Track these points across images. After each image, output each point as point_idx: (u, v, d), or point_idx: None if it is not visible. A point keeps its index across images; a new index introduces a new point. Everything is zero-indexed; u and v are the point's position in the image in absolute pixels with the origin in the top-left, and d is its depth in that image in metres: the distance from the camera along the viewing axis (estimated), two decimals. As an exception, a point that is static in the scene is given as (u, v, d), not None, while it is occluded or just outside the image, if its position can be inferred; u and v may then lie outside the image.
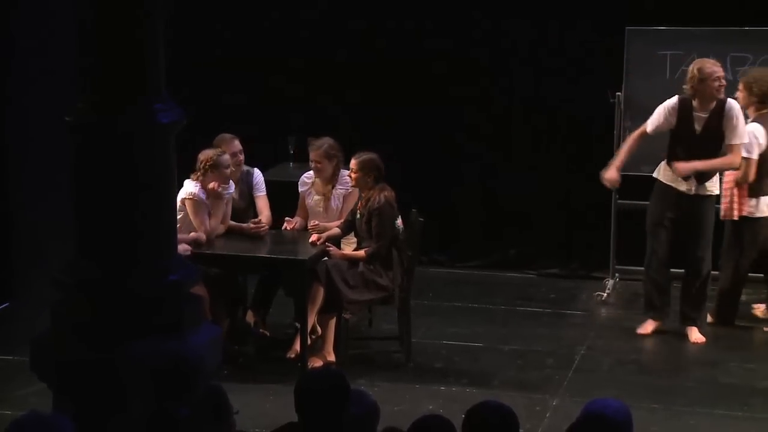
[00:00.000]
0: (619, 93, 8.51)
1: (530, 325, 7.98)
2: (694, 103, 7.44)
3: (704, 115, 7.41)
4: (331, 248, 7.13)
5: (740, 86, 7.76)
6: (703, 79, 7.35)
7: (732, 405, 6.45)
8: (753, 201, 7.68)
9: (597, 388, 6.63)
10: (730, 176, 7.70)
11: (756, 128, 7.63)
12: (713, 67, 7.42)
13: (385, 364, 7.15)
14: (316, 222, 7.36)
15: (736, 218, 7.70)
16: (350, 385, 4.07)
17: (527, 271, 9.14)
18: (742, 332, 7.78)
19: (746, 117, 7.67)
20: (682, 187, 7.49)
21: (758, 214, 7.70)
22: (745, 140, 7.45)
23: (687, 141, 7.46)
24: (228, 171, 7.20)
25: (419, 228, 7.18)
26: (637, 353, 7.40)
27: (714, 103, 7.41)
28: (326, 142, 7.41)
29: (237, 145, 7.42)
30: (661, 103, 8.01)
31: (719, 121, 7.40)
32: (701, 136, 7.43)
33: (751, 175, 7.61)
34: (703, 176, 7.47)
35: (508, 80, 9.21)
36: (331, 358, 6.99)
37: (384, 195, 7.07)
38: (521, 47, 9.16)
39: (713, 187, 7.53)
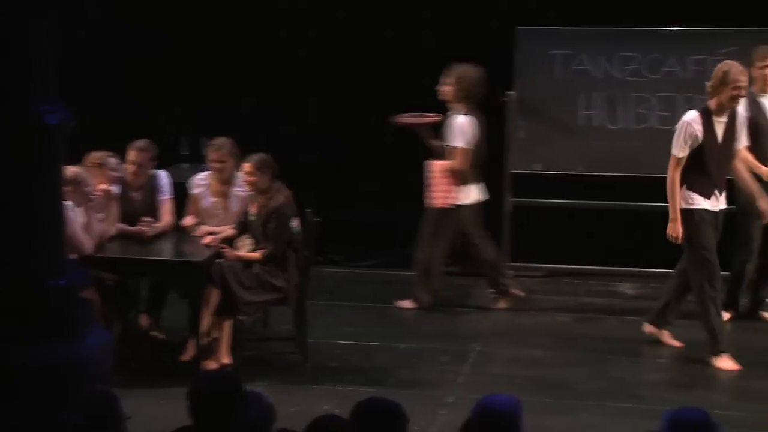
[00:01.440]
0: (510, 92, 8.62)
1: (425, 323, 8.03)
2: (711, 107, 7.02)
3: (723, 120, 7.03)
4: (225, 250, 7.08)
5: (449, 80, 8.00)
6: (726, 83, 6.91)
7: (621, 397, 6.58)
8: (460, 189, 8.00)
9: (491, 385, 6.70)
10: (439, 166, 8.01)
11: (467, 120, 7.97)
12: (739, 75, 6.93)
13: (281, 365, 7.13)
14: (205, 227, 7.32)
15: (444, 206, 8.01)
16: (245, 387, 4.06)
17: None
18: (628, 327, 7.94)
19: (454, 111, 7.99)
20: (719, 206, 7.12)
21: (467, 202, 8.07)
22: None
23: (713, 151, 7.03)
24: (115, 173, 7.11)
25: (315, 228, 7.17)
26: (531, 349, 7.49)
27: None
28: (226, 141, 7.36)
29: (138, 155, 7.33)
30: (552, 101, 8.18)
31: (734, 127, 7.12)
32: (722, 144, 7.03)
33: (462, 164, 7.94)
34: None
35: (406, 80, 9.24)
36: (227, 360, 6.95)
37: (282, 196, 7.04)
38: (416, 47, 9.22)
39: None
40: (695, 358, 7.21)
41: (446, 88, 8.08)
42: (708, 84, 7.03)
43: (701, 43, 8.38)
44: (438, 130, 8.16)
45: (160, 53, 9.34)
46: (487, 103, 8.56)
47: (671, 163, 6.99)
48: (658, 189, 8.44)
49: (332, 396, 6.43)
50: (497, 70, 8.70)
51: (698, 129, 6.96)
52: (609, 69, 8.67)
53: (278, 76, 9.39)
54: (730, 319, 7.85)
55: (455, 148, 8.05)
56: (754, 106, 7.69)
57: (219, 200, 7.42)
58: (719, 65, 7.01)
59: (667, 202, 8.16)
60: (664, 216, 8.56)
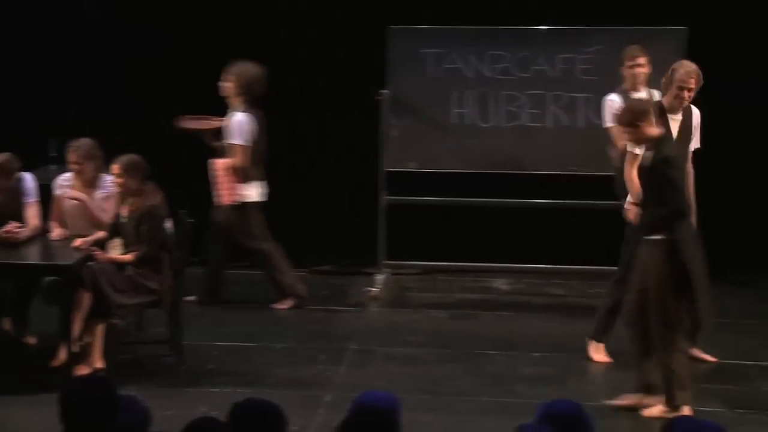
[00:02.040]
0: (384, 91, 8.66)
1: (302, 323, 8.02)
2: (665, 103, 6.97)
3: (678, 119, 7.00)
4: (96, 252, 6.94)
5: (229, 77, 8.11)
6: (671, 82, 6.91)
7: (496, 392, 6.67)
8: (244, 186, 8.13)
9: (369, 383, 6.71)
10: (221, 164, 8.11)
11: (245, 118, 8.10)
12: (685, 76, 6.85)
13: (156, 368, 7.02)
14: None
15: (228, 203, 8.11)
16: (119, 392, 3.98)
17: (298, 268, 9.17)
18: (502, 322, 8.06)
19: (233, 108, 8.10)
20: None
21: (249, 200, 8.16)
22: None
23: None
24: None
25: (188, 229, 7.08)
26: (407, 347, 7.54)
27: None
28: (86, 143, 7.22)
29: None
30: (425, 99, 8.21)
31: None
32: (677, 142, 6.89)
33: (243, 162, 8.08)
34: None
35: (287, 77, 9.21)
36: (100, 365, 6.81)
37: (153, 197, 6.94)
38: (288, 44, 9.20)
39: None
40: (569, 352, 7.35)
41: (226, 85, 8.14)
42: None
43: (569, 41, 8.54)
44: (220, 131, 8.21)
45: (160, 54, 9.18)
46: (362, 102, 8.61)
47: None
48: (529, 186, 8.62)
49: (209, 398, 6.36)
50: (371, 68, 8.75)
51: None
52: (480, 67, 8.77)
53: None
54: None
55: (235, 145, 8.10)
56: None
57: (78, 203, 7.25)
58: (673, 63, 7.08)
59: (538, 199, 8.36)
60: (535, 212, 8.75)
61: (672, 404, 6.18)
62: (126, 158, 6.94)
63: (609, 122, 7.44)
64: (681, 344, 6.21)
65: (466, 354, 7.36)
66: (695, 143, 7.10)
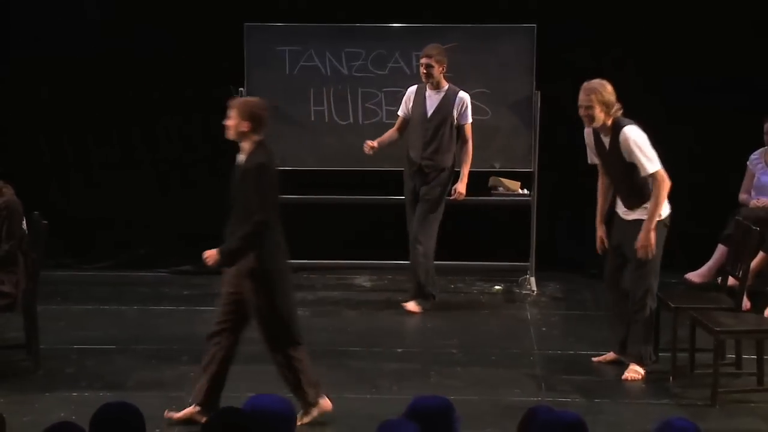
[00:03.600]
0: (242, 88, 8.61)
1: (164, 324, 7.92)
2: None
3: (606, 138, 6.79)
4: None
5: None
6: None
7: (360, 388, 6.70)
8: None
9: (233, 382, 6.65)
10: None
11: None
12: (581, 94, 6.71)
13: (11, 373, 6.83)
14: None
15: None
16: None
17: (159, 269, 9.06)
18: (365, 318, 8.11)
19: None
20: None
21: None
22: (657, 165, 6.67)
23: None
24: None
25: (43, 230, 6.91)
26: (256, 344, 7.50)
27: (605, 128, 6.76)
28: None
29: None
30: (283, 97, 8.22)
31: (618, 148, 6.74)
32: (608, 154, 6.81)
33: None
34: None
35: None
36: None
37: (8, 194, 6.75)
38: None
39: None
40: (432, 347, 7.44)
41: None
42: None
43: (424, 39, 8.63)
44: None
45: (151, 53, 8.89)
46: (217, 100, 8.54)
47: (663, 177, 6.60)
48: (388, 183, 8.69)
49: (68, 403, 6.23)
50: (228, 66, 8.69)
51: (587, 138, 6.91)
52: (337, 65, 8.80)
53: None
54: None
55: None
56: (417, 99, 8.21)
57: None
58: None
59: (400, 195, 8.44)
60: (394, 208, 8.82)
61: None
62: None
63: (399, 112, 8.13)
64: None
65: (330, 351, 7.37)
66: (643, 170, 6.65)
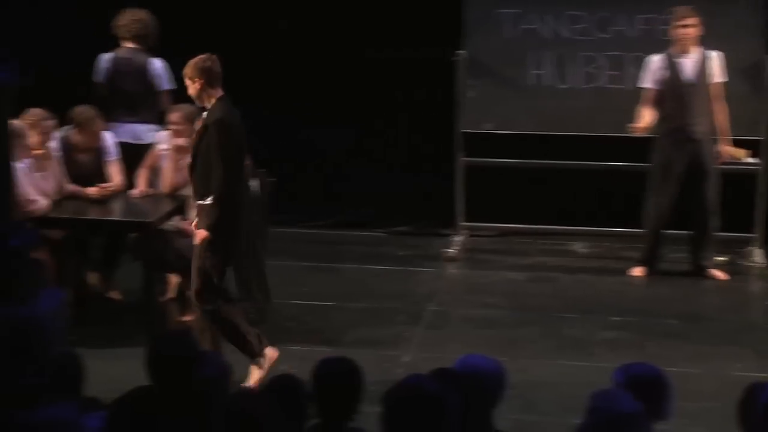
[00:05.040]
0: (460, 52, 8.59)
1: (380, 283, 8.04)
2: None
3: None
4: (189, 228, 6.97)
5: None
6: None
7: (574, 356, 6.64)
8: None
9: (446, 343, 6.74)
10: None
11: None
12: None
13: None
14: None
15: None
16: (200, 348, 4.04)
17: (376, 229, 9.20)
18: (581, 286, 8.01)
19: None
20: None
21: None
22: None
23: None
24: (25, 141, 6.98)
25: (269, 188, 7.13)
26: (485, 308, 7.53)
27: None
28: (186, 107, 7.20)
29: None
30: (501, 60, 8.18)
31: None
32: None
33: None
34: None
35: (345, 37, 9.17)
36: (190, 317, 6.88)
37: None
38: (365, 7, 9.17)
39: None
40: (648, 316, 7.30)
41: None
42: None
43: (648, 1, 8.40)
44: None
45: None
46: (438, 63, 8.57)
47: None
48: (608, 148, 8.52)
49: (289, 356, 6.41)
50: (447, 29, 8.69)
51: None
52: (557, 28, 8.68)
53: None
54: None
55: None
56: (672, 66, 7.82)
57: (175, 161, 7.27)
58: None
59: (617, 162, 8.29)
60: (614, 174, 8.66)
61: None
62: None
63: (645, 83, 7.86)
64: None
65: (544, 317, 7.33)
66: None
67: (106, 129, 7.40)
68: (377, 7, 9.13)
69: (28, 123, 6.88)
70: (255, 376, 6.12)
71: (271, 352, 6.19)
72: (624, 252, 8.66)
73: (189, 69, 5.98)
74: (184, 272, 6.75)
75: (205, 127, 5.96)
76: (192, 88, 5.99)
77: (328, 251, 8.69)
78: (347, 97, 9.17)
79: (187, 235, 6.86)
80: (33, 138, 6.88)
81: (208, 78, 5.92)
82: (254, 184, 7.06)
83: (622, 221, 8.65)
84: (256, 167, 7.12)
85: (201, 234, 6.02)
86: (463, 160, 8.76)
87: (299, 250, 8.63)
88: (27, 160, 6.82)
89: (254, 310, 7.16)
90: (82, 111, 7.19)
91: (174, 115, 7.08)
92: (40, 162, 6.99)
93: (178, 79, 6.61)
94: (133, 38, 7.67)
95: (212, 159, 5.90)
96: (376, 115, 9.30)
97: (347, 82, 9.20)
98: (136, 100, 7.70)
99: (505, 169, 8.82)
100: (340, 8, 9.18)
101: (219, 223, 5.96)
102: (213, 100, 5.98)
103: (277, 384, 4.05)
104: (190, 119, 6.90)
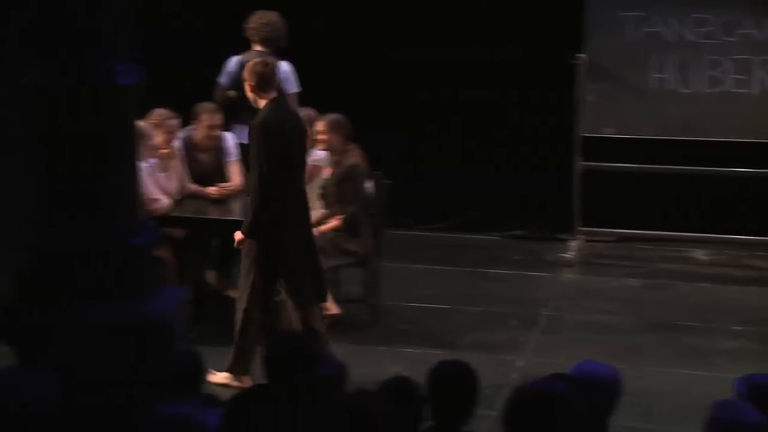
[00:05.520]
0: (580, 55, 8.50)
1: (495, 287, 8.00)
2: None
3: None
4: None
5: None
6: None
7: (694, 365, 6.51)
8: None
9: (562, 349, 6.68)
10: None
11: None
12: None
13: (351, 326, 7.13)
14: None
15: None
16: (317, 347, 4.07)
17: (492, 233, 9.16)
18: (701, 294, 7.85)
19: None
20: None
21: None
22: None
23: None
24: (176, 133, 7.12)
25: (386, 190, 7.16)
26: (601, 314, 7.44)
27: None
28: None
29: (210, 118, 7.35)
30: (623, 64, 8.03)
31: None
32: None
33: None
34: None
35: (466, 40, 9.15)
36: (335, 310, 7.01)
37: (354, 158, 7.04)
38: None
39: None
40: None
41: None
42: None
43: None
44: None
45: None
46: (558, 66, 8.49)
47: None
48: (731, 154, 8.34)
49: (402, 358, 6.44)
50: (567, 32, 8.61)
51: None
52: (681, 31, 8.53)
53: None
54: None
55: None
56: None
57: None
58: None
59: (741, 167, 8.07)
60: (737, 181, 8.46)
61: None
62: (331, 117, 7.04)
63: None
64: None
65: (662, 325, 7.20)
66: None
67: (227, 129, 7.52)
68: (492, 8, 9.10)
69: (153, 123, 7.03)
70: (218, 379, 6.15)
71: (247, 382, 6.12)
72: (747, 260, 8.45)
73: (245, 72, 6.21)
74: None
75: (250, 128, 6.14)
76: (247, 90, 6.18)
77: (443, 254, 8.67)
78: (463, 98, 9.15)
79: None
80: (158, 138, 7.02)
81: (258, 81, 6.11)
82: (369, 185, 7.11)
83: (745, 228, 8.45)
84: (372, 169, 7.16)
85: (237, 235, 6.14)
86: (581, 164, 8.66)
87: (415, 253, 8.63)
88: (152, 160, 6.97)
89: (367, 311, 7.22)
90: (202, 105, 7.31)
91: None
92: (165, 162, 7.13)
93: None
94: (261, 41, 7.73)
95: (253, 160, 6.07)
96: (489, 116, 9.24)
97: (467, 82, 9.17)
98: None
99: (623, 174, 8.69)
100: (463, 8, 9.16)
101: (255, 225, 6.06)
102: (263, 102, 6.13)
103: (392, 386, 4.06)
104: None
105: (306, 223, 6.30)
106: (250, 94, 6.19)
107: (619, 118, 8.64)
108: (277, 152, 6.04)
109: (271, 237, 6.10)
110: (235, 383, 6.11)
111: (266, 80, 6.12)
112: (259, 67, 6.13)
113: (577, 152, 8.62)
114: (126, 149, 4.97)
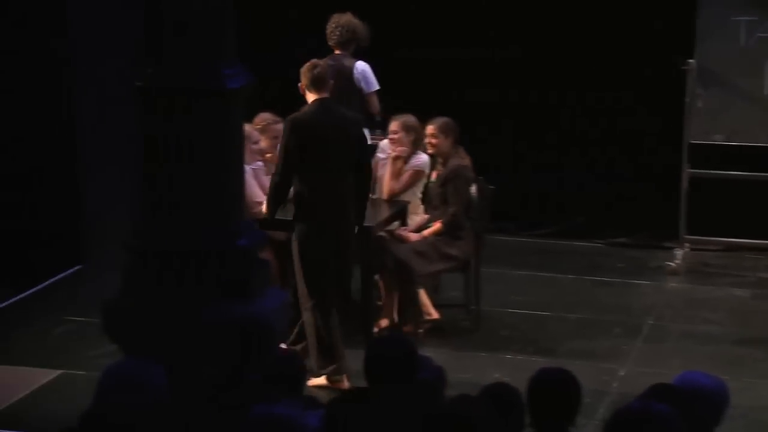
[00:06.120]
0: (690, 60, 8.37)
1: (598, 295, 7.92)
2: None
3: None
4: (407, 234, 7.06)
5: None
6: None
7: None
8: None
9: (665, 359, 6.59)
10: None
11: None
12: None
13: (451, 331, 7.13)
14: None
15: None
16: (418, 350, 4.08)
17: (595, 240, 9.06)
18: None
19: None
20: None
21: None
22: None
23: None
24: (256, 145, 7.17)
25: (489, 196, 7.15)
26: (706, 324, 7.32)
27: None
28: (409, 117, 7.20)
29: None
30: (735, 69, 7.87)
31: None
32: None
33: None
34: None
35: (574, 44, 9.07)
36: (435, 315, 7.05)
37: (462, 160, 7.06)
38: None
39: None
40: None
41: None
42: None
43: None
44: None
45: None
46: (666, 72, 8.38)
47: None
48: None
49: (503, 364, 6.42)
50: (677, 37, 8.48)
51: None
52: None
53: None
54: None
55: None
56: None
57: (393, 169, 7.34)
58: None
59: None
60: None
61: None
62: (441, 120, 7.08)
63: None
64: None
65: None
66: None
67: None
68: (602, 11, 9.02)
69: (259, 127, 7.11)
70: (316, 382, 6.13)
71: (345, 383, 6.10)
72: None
73: (301, 73, 6.41)
74: (401, 277, 6.87)
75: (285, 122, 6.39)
76: (301, 90, 6.42)
77: (546, 261, 8.61)
78: (561, 104, 9.09)
79: (405, 241, 6.97)
80: (264, 142, 7.10)
81: (308, 81, 6.31)
82: (473, 190, 7.10)
83: None
84: (477, 174, 7.16)
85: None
86: (689, 171, 8.51)
87: (517, 259, 8.59)
88: (257, 163, 7.06)
89: (468, 317, 7.20)
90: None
91: (393, 124, 7.17)
92: (269, 165, 7.21)
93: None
94: (336, 45, 7.76)
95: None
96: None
97: (559, 87, 9.09)
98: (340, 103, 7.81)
99: (730, 181, 8.53)
100: (561, 15, 9.10)
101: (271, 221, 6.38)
102: (309, 101, 6.34)
103: (492, 391, 4.05)
104: (407, 128, 7.02)
105: (338, 228, 6.32)
106: (304, 94, 6.40)
107: (729, 125, 8.48)
108: (311, 152, 6.22)
109: (306, 235, 6.28)
110: (334, 383, 6.15)
111: (315, 81, 6.31)
112: (309, 68, 6.35)
113: (684, 159, 8.49)
114: (233, 152, 5.06)
